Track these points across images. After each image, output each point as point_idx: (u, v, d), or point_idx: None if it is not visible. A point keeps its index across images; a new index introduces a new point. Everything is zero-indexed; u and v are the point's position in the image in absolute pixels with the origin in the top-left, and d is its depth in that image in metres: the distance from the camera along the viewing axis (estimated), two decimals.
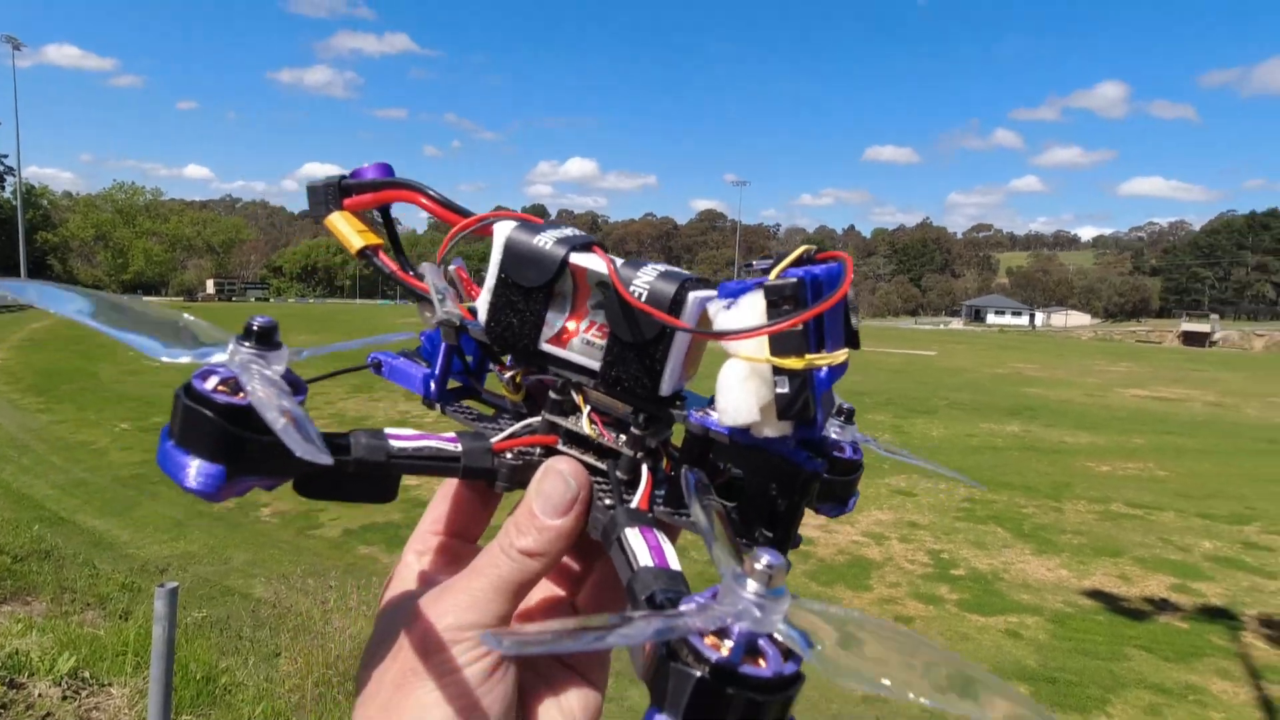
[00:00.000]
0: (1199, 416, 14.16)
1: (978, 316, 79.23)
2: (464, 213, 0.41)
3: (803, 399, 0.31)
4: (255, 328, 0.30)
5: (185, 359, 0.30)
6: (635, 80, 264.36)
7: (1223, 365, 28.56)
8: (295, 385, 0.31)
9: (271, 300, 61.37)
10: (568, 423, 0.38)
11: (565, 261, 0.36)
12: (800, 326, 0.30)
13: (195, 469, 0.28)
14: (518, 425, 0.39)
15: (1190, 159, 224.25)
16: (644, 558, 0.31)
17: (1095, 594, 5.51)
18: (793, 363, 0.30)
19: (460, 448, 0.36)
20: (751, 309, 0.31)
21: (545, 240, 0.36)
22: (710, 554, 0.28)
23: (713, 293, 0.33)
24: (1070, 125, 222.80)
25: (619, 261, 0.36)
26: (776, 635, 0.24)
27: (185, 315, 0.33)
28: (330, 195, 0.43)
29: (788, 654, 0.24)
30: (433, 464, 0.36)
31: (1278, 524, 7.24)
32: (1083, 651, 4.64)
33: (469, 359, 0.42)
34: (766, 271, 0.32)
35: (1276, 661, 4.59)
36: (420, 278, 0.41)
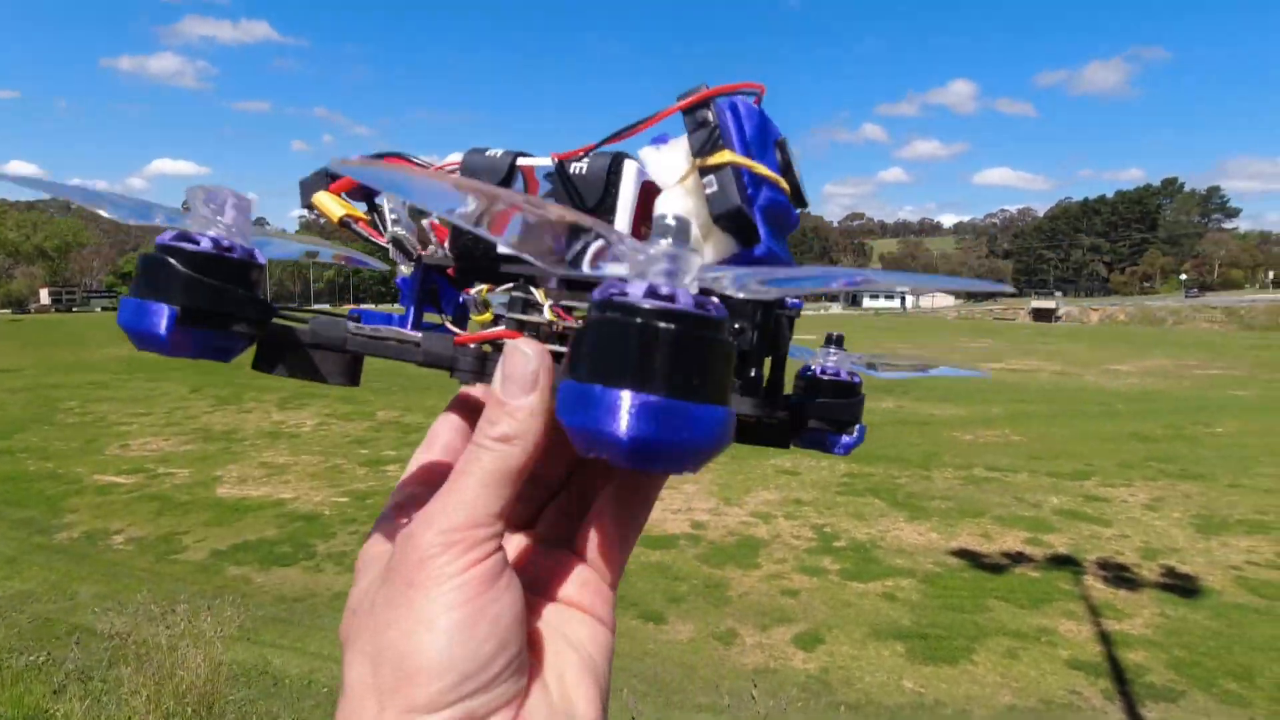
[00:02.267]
0: (1047, 385, 15.59)
1: (855, 301, 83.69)
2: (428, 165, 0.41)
3: (733, 189, 0.30)
4: (212, 189, 0.34)
5: (157, 220, 0.33)
6: (515, 73, 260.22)
7: (1066, 338, 31.60)
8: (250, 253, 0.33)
9: None
10: (530, 317, 0.36)
11: (513, 164, 0.37)
12: (714, 121, 0.31)
13: (148, 309, 0.29)
14: (503, 288, 0.38)
15: (1031, 151, 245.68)
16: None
17: (961, 553, 5.94)
18: (716, 158, 0.31)
19: (422, 336, 0.36)
20: (678, 144, 0.33)
21: (495, 153, 0.38)
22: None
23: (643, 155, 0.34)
24: (928, 120, 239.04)
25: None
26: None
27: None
28: (319, 182, 0.43)
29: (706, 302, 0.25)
30: (392, 345, 0.35)
31: (1111, 478, 8.08)
32: (950, 607, 4.99)
33: (441, 304, 0.42)
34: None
35: (1112, 599, 5.12)
36: (382, 218, 0.41)
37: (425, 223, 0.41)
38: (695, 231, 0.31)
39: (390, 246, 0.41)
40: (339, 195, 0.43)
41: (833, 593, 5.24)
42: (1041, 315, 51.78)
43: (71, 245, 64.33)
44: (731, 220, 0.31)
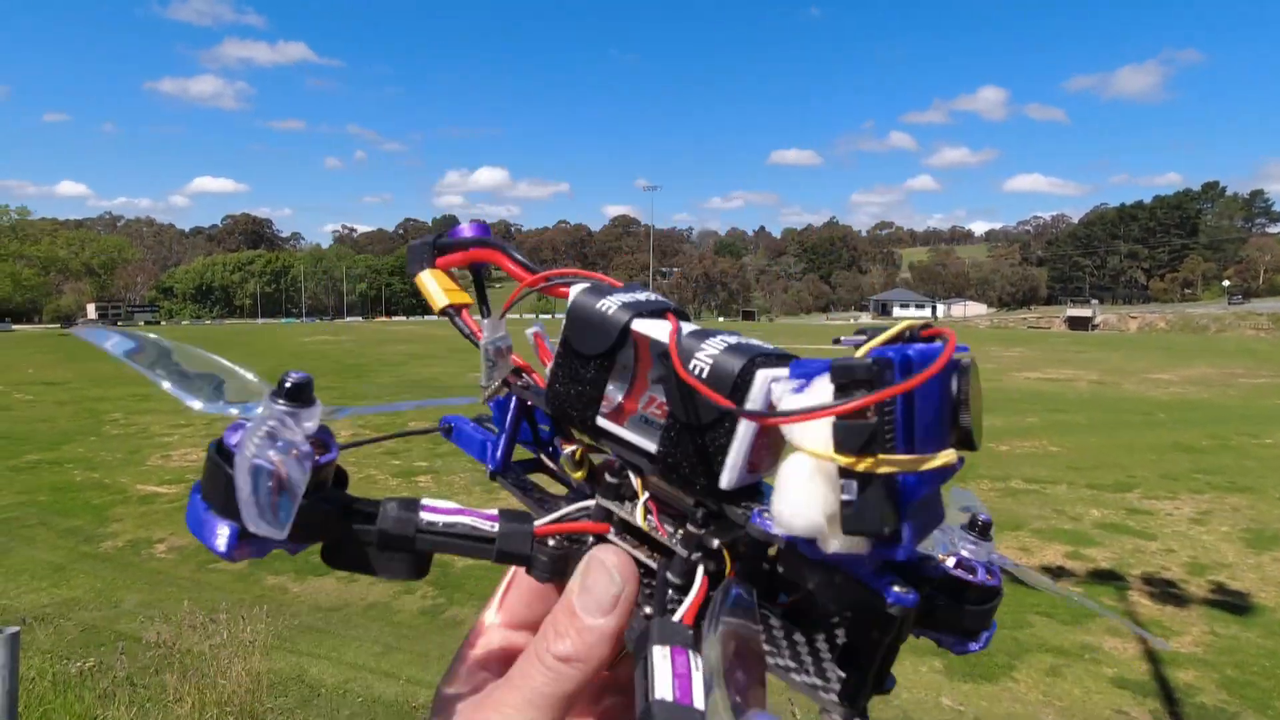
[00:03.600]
0: (1084, 394, 15.24)
1: (884, 310, 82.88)
2: (532, 269, 0.39)
3: (875, 511, 0.25)
4: (289, 384, 0.29)
5: (232, 411, 0.30)
6: (541, 88, 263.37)
7: (1103, 346, 30.90)
8: (324, 445, 0.30)
9: (163, 323, 57.66)
10: (622, 510, 0.34)
11: (627, 328, 0.32)
12: (873, 419, 0.24)
13: (211, 526, 0.28)
14: (570, 508, 0.36)
15: (1064, 157, 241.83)
16: (663, 687, 0.26)
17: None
18: (859, 463, 0.24)
19: (498, 528, 0.33)
20: (823, 393, 0.26)
21: (610, 305, 0.33)
22: (706, 699, 0.25)
23: (784, 371, 0.28)
24: (957, 127, 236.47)
25: (687, 329, 0.32)
26: None
27: (236, 368, 0.32)
28: (425, 254, 0.42)
29: None
30: (464, 543, 0.33)
31: (1155, 489, 7.85)
32: None
33: (543, 428, 0.40)
34: (857, 347, 0.27)
35: (1159, 616, 4.97)
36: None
37: (530, 333, 0.39)
38: (823, 527, 0.26)
39: (482, 351, 0.39)
40: (445, 274, 0.42)
41: None
42: (1078, 323, 50.74)
43: (116, 261, 66.39)
44: (866, 533, 0.26)
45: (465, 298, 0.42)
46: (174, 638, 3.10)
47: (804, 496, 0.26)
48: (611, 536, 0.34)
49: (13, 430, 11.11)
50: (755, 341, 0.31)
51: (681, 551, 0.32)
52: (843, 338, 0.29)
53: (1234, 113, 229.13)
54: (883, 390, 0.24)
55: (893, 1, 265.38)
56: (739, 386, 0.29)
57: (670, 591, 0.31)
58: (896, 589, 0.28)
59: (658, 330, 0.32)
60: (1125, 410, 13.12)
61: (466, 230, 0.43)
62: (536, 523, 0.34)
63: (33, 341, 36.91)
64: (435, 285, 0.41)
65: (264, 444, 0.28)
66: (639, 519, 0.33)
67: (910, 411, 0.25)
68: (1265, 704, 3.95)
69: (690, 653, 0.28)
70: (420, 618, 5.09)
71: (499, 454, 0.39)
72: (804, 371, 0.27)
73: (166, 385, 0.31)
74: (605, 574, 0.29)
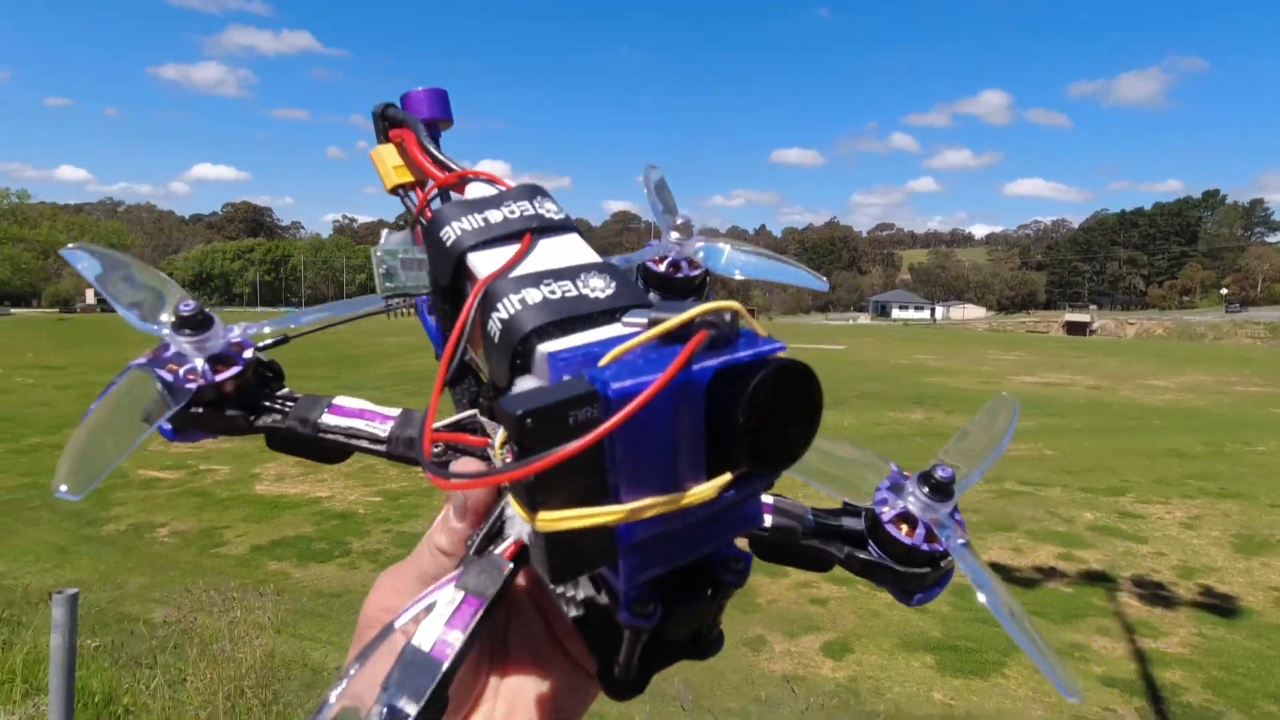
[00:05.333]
0: (1080, 399, 15.33)
1: (883, 311, 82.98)
2: (445, 166, 0.37)
3: (546, 559, 0.22)
4: (181, 315, 0.37)
5: (164, 332, 0.37)
6: (545, 83, 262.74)
7: (1100, 351, 31.01)
8: (229, 360, 0.37)
9: None
10: (492, 430, 0.34)
11: (462, 261, 0.30)
12: (530, 479, 0.20)
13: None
14: (460, 416, 0.36)
15: (1065, 162, 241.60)
16: (426, 636, 0.25)
17: (992, 566, 5.82)
18: (528, 516, 0.21)
19: (389, 430, 0.36)
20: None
21: (454, 231, 0.30)
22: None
23: (567, 344, 0.25)
24: (959, 130, 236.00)
25: (522, 269, 0.28)
26: None
27: (173, 283, 0.40)
28: (377, 126, 0.40)
29: None
30: (360, 443, 0.37)
31: (1147, 494, 7.93)
32: (981, 620, 4.96)
33: None
34: (647, 325, 0.23)
35: (1147, 617, 5.05)
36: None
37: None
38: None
39: (374, 259, 0.38)
40: (399, 146, 0.39)
41: (862, 603, 5.23)
42: (1075, 328, 50.84)
43: (116, 247, 65.97)
44: (557, 579, 0.24)
45: (411, 176, 0.39)
46: (184, 617, 3.16)
47: (515, 513, 0.25)
48: (489, 450, 0.33)
49: (14, 414, 11.14)
50: (592, 289, 0.27)
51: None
52: (624, 319, 0.26)
53: (1236, 121, 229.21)
54: (539, 459, 0.20)
55: (901, 5, 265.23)
56: (518, 357, 0.26)
57: (502, 526, 0.29)
58: (634, 610, 0.24)
59: (489, 264, 0.29)
60: (1120, 415, 13.21)
61: (416, 97, 0.40)
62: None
63: (32, 325, 36.87)
64: (385, 164, 0.39)
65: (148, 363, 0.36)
66: (497, 442, 0.32)
67: (615, 452, 0.21)
68: (1249, 704, 4.03)
69: (483, 605, 0.26)
70: None
71: (439, 342, 0.38)
72: (562, 361, 0.24)
73: (121, 310, 0.38)
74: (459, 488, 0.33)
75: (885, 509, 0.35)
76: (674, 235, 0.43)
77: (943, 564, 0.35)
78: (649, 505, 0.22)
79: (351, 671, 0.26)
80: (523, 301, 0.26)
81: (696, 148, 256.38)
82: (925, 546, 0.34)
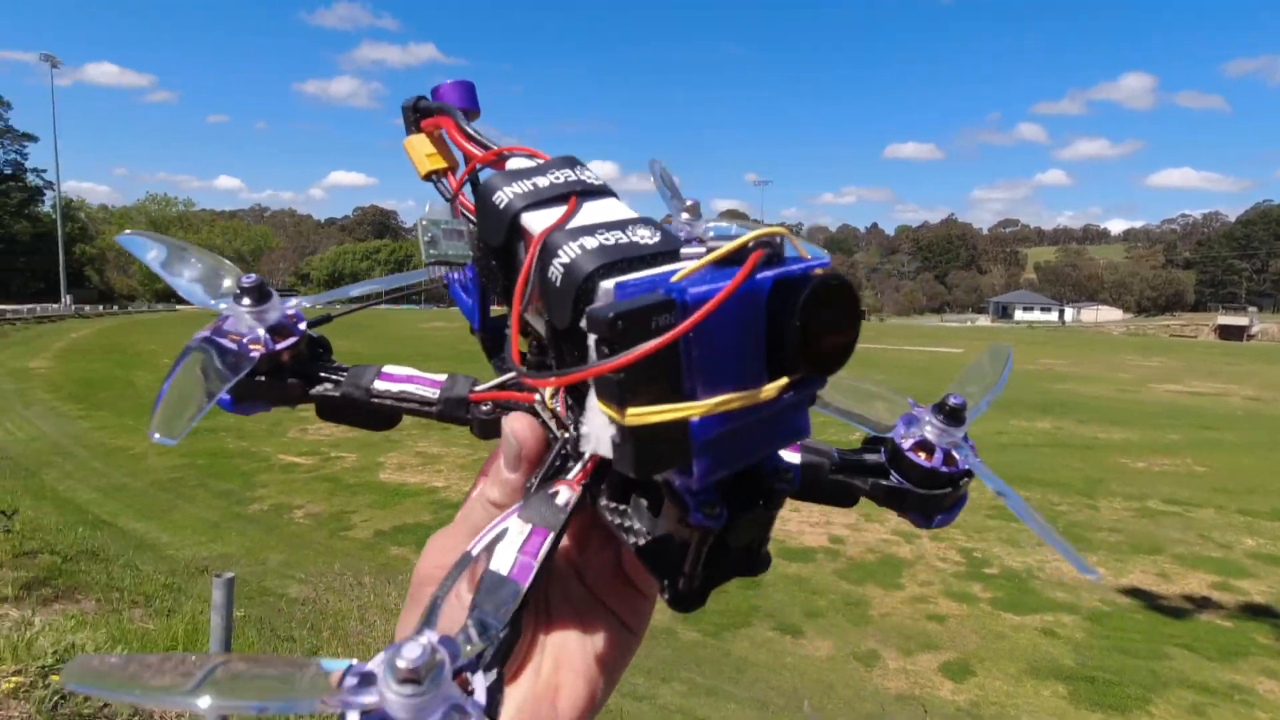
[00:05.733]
0: (1237, 411, 13.83)
1: (1005, 313, 78.04)
2: (484, 145, 0.38)
3: (631, 458, 0.24)
4: (241, 287, 0.38)
5: (221, 306, 0.39)
6: (654, 84, 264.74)
7: (1261, 359, 27.84)
8: (285, 331, 0.38)
9: None
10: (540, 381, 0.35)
11: (516, 221, 0.31)
12: (620, 375, 0.23)
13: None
14: (504, 377, 0.38)
15: (1219, 149, 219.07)
16: (503, 561, 0.28)
17: (1133, 592, 5.40)
18: (615, 414, 0.24)
19: (439, 394, 0.38)
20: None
21: (507, 195, 0.32)
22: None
23: (636, 276, 0.27)
24: (1094, 118, 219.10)
25: (574, 222, 0.30)
26: None
27: (228, 263, 0.42)
28: (408, 118, 0.42)
29: None
30: (411, 405, 0.38)
31: None
32: (1121, 650, 4.56)
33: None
34: (706, 253, 0.26)
35: None
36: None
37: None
38: (609, 451, 0.27)
39: (419, 229, 0.40)
40: (432, 135, 0.41)
41: (984, 622, 4.93)
42: (1230, 333, 45.95)
43: (263, 249, 72.31)
44: (640, 474, 0.26)
45: (444, 162, 0.40)
46: (319, 596, 3.39)
47: (594, 428, 0.27)
48: (536, 406, 0.35)
49: None
50: (641, 237, 0.29)
51: (572, 432, 0.31)
52: (682, 250, 0.28)
53: None
54: (629, 353, 0.23)
55: None
56: (581, 297, 0.27)
57: (561, 464, 0.32)
58: (704, 512, 0.28)
59: (542, 222, 0.30)
60: None
61: (446, 90, 0.41)
62: (470, 390, 0.37)
63: (196, 320, 40.88)
64: (418, 152, 0.40)
65: (209, 335, 0.37)
66: (546, 395, 0.34)
67: (688, 347, 0.24)
68: None
69: (550, 536, 0.28)
70: None
71: (475, 316, 0.41)
72: (630, 290, 0.25)
73: (183, 288, 0.40)
74: (509, 439, 0.33)
75: (905, 440, 0.37)
76: (684, 216, 0.44)
77: (961, 484, 0.37)
78: (728, 400, 0.25)
79: (438, 599, 0.26)
80: (581, 247, 0.28)
81: (806, 144, 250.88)
82: (945, 469, 0.36)
